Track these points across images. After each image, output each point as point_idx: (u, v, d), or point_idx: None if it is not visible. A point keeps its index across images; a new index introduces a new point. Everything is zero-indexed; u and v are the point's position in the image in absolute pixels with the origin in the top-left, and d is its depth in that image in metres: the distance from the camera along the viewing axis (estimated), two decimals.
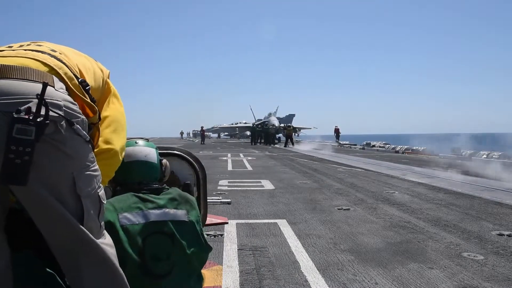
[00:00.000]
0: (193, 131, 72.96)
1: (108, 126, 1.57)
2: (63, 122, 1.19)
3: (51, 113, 1.14)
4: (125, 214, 1.60)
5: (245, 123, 56.37)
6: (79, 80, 1.36)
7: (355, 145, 29.75)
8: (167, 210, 1.68)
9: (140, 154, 1.82)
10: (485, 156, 15.36)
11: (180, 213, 1.71)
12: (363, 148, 26.41)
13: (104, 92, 1.62)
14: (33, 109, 1.11)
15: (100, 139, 1.52)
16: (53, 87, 1.22)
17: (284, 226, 4.53)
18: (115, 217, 1.58)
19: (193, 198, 1.84)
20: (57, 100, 1.19)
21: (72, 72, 1.35)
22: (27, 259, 1.42)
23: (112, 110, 1.62)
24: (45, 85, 1.14)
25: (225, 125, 66.13)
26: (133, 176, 1.78)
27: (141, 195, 1.69)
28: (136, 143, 1.87)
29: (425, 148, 19.92)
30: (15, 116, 1.08)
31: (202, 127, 40.06)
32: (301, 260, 3.35)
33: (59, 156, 1.19)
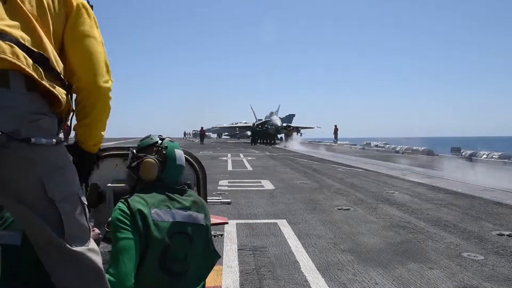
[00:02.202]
0: (193, 131, 72.96)
1: (81, 64, 1.36)
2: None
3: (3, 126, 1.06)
4: (156, 209, 1.63)
5: (245, 123, 56.31)
6: (37, 57, 1.17)
7: (355, 145, 29.77)
8: (191, 212, 1.72)
9: (183, 159, 1.88)
10: (485, 156, 15.39)
11: (200, 217, 1.75)
12: (363, 148, 26.41)
13: (67, 13, 1.34)
14: None
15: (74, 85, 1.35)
16: (9, 89, 1.10)
17: (284, 226, 4.53)
18: (148, 211, 1.60)
19: (205, 203, 1.89)
20: (12, 108, 1.10)
21: (28, 50, 1.15)
22: (16, 253, 1.41)
23: (79, 40, 1.36)
24: None
25: (225, 125, 66.08)
26: (177, 177, 1.83)
27: (167, 193, 1.72)
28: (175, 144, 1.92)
29: (425, 148, 19.97)
30: None
31: (202, 128, 40.33)
32: (301, 260, 3.35)
33: (18, 162, 1.12)
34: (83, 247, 1.24)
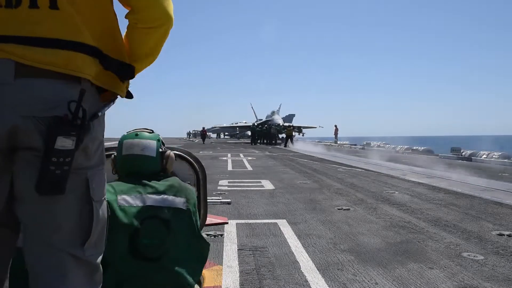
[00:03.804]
0: (192, 131, 72.96)
1: None
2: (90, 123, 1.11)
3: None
4: (124, 196, 1.61)
5: (245, 123, 56.26)
6: (96, 53, 1.14)
7: (355, 145, 29.79)
8: (165, 196, 1.68)
9: (137, 148, 1.79)
10: (485, 156, 15.40)
11: (179, 201, 1.69)
12: (363, 148, 26.42)
13: None
14: (70, 116, 1.03)
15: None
16: (85, 90, 1.08)
17: (284, 226, 4.53)
18: (114, 198, 1.58)
19: (192, 188, 1.83)
20: (89, 103, 1.10)
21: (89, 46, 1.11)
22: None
23: None
24: (82, 92, 1.05)
25: (225, 125, 65.97)
26: (129, 169, 1.79)
27: (142, 180, 1.70)
28: (136, 135, 1.82)
29: (425, 148, 20.01)
30: (58, 127, 1.01)
31: (203, 128, 40.55)
32: (301, 260, 3.35)
33: (79, 157, 1.10)
34: (96, 262, 1.18)
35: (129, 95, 1.36)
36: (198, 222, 1.77)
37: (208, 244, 1.78)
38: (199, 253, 1.74)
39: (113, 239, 1.52)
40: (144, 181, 1.70)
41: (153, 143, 1.83)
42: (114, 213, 1.55)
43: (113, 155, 1.86)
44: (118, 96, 1.29)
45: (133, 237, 1.57)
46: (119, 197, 1.60)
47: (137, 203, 1.61)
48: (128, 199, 1.61)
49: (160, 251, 1.60)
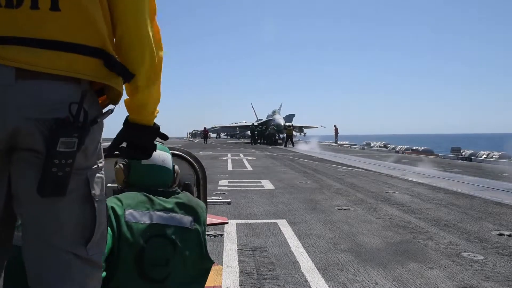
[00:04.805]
0: (192, 131, 72.95)
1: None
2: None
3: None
4: (132, 211, 1.56)
5: (245, 122, 56.15)
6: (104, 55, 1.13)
7: (355, 145, 29.80)
8: (173, 214, 1.62)
9: (158, 158, 1.75)
10: (485, 156, 15.42)
11: (186, 220, 1.63)
12: (363, 148, 26.43)
13: None
14: (71, 118, 1.03)
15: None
16: (86, 91, 1.08)
17: (284, 226, 4.53)
18: (122, 213, 1.53)
19: (203, 205, 1.76)
20: (89, 104, 1.10)
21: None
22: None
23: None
24: (83, 94, 1.05)
25: (225, 125, 65.84)
26: (148, 180, 1.73)
27: (149, 195, 1.64)
28: None
29: (425, 148, 20.03)
30: (60, 129, 1.01)
31: (205, 128, 40.71)
32: (301, 260, 3.35)
33: (79, 158, 1.09)
34: (97, 260, 1.18)
35: (163, 136, 1.37)
36: (206, 242, 1.69)
37: (212, 262, 1.71)
38: (202, 272, 1.69)
39: (121, 258, 1.48)
40: (151, 196, 1.64)
41: (169, 156, 1.82)
42: (121, 229, 1.50)
43: (121, 164, 1.82)
44: (118, 102, 1.28)
45: (139, 257, 1.51)
46: (126, 212, 1.54)
47: (145, 220, 1.56)
48: (136, 215, 1.56)
49: (165, 272, 1.55)
